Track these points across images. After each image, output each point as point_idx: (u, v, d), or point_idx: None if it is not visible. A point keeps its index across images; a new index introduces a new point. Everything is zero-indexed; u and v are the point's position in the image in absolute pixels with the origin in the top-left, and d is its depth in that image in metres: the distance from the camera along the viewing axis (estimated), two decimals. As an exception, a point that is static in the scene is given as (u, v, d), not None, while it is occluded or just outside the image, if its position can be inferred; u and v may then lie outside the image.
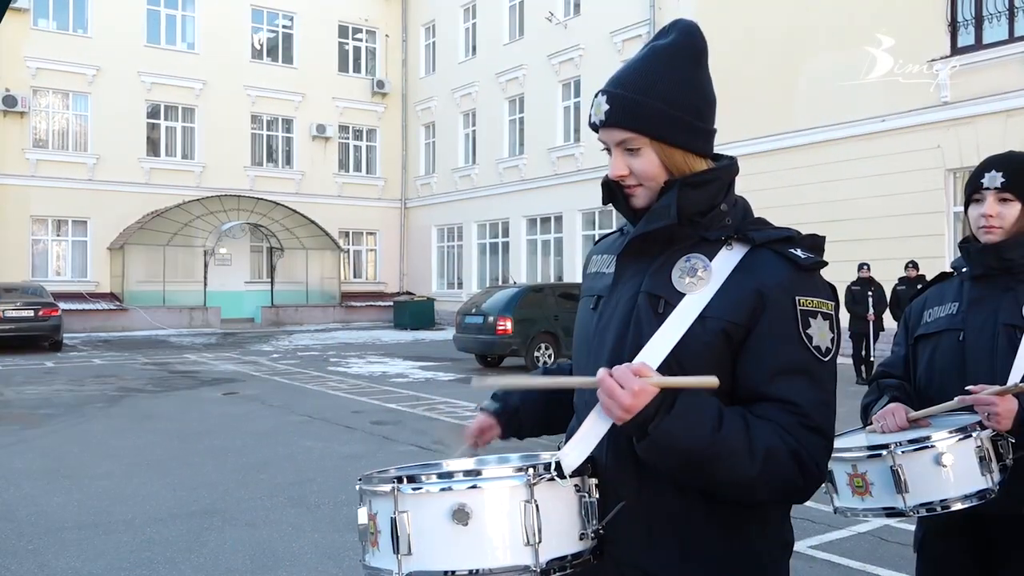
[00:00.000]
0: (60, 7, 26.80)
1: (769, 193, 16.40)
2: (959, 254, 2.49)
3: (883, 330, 13.63)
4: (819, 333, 1.47)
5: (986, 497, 2.04)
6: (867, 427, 2.38)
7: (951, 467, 2.03)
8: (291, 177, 29.90)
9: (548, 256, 25.96)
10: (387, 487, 1.33)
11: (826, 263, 1.54)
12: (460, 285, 29.26)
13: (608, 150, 1.60)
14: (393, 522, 1.30)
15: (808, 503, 5.94)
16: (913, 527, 2.55)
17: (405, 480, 1.32)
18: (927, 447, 2.05)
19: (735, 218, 1.58)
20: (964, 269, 2.45)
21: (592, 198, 22.43)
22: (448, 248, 30.58)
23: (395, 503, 1.30)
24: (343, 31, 30.97)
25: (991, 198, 2.33)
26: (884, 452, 2.05)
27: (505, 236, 27.55)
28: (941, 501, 2.04)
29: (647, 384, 1.33)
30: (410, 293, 30.68)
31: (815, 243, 1.56)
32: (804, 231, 1.60)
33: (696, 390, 1.37)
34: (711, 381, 1.30)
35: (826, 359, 1.47)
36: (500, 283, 25.11)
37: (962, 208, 2.55)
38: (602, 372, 1.37)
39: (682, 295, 1.50)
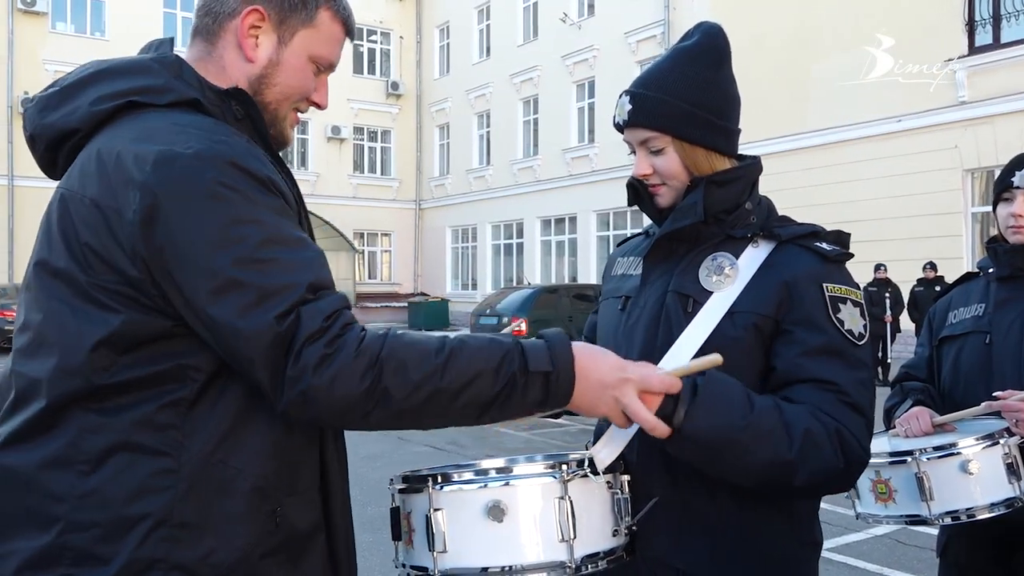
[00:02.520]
0: (78, 10, 27.01)
1: (783, 194, 16.22)
2: (978, 255, 2.47)
3: (900, 331, 13.56)
4: (850, 318, 1.48)
5: (1014, 506, 2.00)
6: (890, 431, 2.35)
7: (978, 475, 1.98)
8: (306, 178, 29.94)
9: (563, 257, 25.93)
10: (421, 485, 1.34)
11: (852, 255, 1.57)
12: (474, 286, 29.28)
13: (633, 150, 1.63)
14: (428, 520, 1.31)
15: (826, 505, 5.93)
16: (931, 530, 2.53)
17: (440, 478, 1.33)
18: (953, 454, 2.00)
19: (760, 216, 1.60)
20: (991, 269, 2.41)
21: (607, 199, 22.42)
22: (462, 249, 30.60)
23: (429, 501, 1.32)
24: (357, 33, 30.85)
25: (1021, 197, 2.29)
26: (909, 459, 2.01)
27: (519, 237, 27.55)
28: (967, 510, 1.99)
29: None
30: (424, 294, 30.71)
31: (840, 238, 1.59)
32: (821, 232, 1.62)
33: (720, 382, 1.38)
34: (714, 359, 1.31)
35: (860, 343, 1.48)
36: (514, 284, 25.12)
37: (980, 209, 2.53)
38: None
39: (710, 293, 1.53)
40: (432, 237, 31.66)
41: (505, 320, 16.11)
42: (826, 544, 5.18)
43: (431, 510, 1.31)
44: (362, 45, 31.26)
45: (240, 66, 1.38)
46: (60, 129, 1.32)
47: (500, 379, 1.22)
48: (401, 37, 31.80)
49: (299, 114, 1.47)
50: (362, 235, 31.47)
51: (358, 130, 31.21)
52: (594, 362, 1.29)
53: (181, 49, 1.44)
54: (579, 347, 1.30)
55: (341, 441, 1.46)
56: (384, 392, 1.17)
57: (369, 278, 31.92)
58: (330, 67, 1.46)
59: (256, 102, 1.38)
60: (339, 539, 1.38)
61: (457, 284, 30.72)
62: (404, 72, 31.83)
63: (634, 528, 1.39)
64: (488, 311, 16.94)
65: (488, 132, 28.93)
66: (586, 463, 1.34)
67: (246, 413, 1.25)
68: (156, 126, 1.24)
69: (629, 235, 1.90)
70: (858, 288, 1.54)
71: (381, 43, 31.80)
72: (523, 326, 15.70)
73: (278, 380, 1.17)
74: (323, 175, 30.29)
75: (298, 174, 29.28)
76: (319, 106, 1.47)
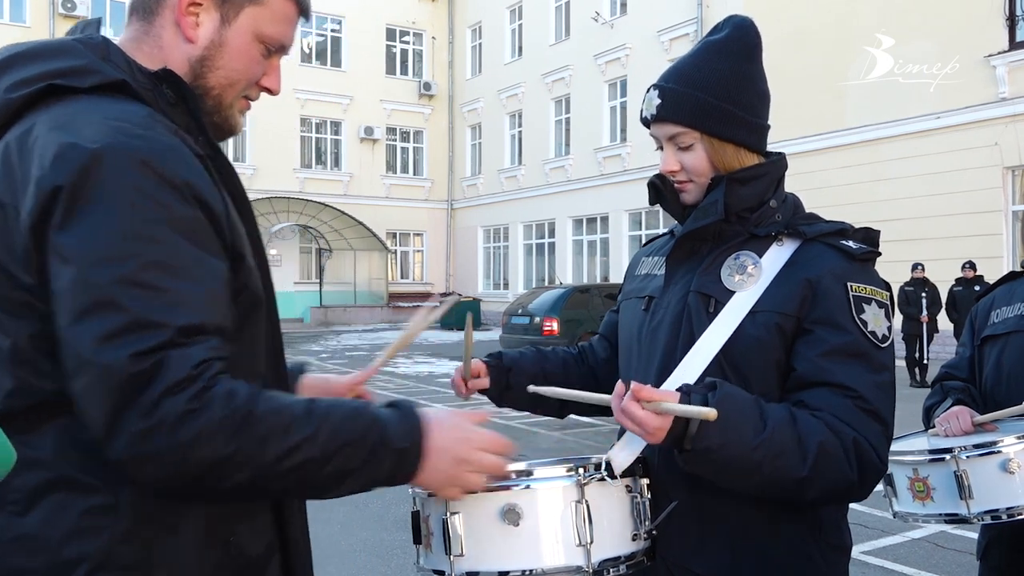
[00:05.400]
0: (117, 14, 27.44)
1: (821, 192, 16.12)
2: (1019, 254, 2.43)
3: (937, 332, 13.33)
4: (874, 319, 1.44)
5: None
6: (930, 430, 2.32)
7: (1019, 473, 1.95)
8: (339, 179, 30.22)
9: (594, 256, 25.86)
10: None
11: (879, 253, 1.52)
12: (506, 286, 29.30)
13: (660, 146, 1.60)
14: (444, 523, 1.30)
15: (861, 507, 5.85)
16: (971, 533, 2.48)
17: None
18: (994, 452, 1.98)
19: (785, 214, 1.57)
20: None
21: (639, 198, 22.30)
22: (494, 249, 30.64)
23: (446, 505, 1.30)
24: (390, 34, 31.19)
25: None
26: (947, 456, 1.99)
27: (551, 237, 27.52)
28: (1008, 509, 1.96)
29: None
30: (456, 293, 30.81)
31: (868, 236, 1.54)
32: (855, 230, 1.58)
33: (733, 398, 1.34)
34: (709, 413, 1.25)
35: (883, 345, 1.44)
36: (546, 284, 25.08)
37: (1021, 207, 2.47)
38: (614, 402, 1.35)
39: (732, 293, 1.50)
40: (464, 237, 31.74)
41: (537, 320, 16.10)
42: (862, 547, 5.17)
43: (447, 513, 1.30)
44: (395, 46, 31.41)
45: (179, 47, 1.25)
46: None
47: (364, 449, 1.12)
48: (433, 38, 31.92)
49: (249, 101, 1.33)
50: (395, 235, 31.65)
51: (391, 131, 31.37)
52: (443, 432, 1.20)
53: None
54: (431, 420, 1.20)
55: None
56: (248, 458, 1.04)
57: (402, 278, 32.10)
58: (281, 49, 1.32)
59: (195, 86, 1.25)
60: (295, 555, 1.29)
61: (489, 284, 30.77)
62: (436, 72, 31.93)
63: (654, 532, 1.36)
64: (520, 311, 16.93)
65: (520, 132, 28.94)
66: (603, 466, 1.32)
67: None
68: (73, 114, 1.11)
69: (658, 233, 1.87)
70: (886, 288, 1.50)
71: (413, 44, 31.93)
72: (555, 326, 15.68)
73: (114, 425, 1.01)
74: (356, 175, 30.50)
75: (331, 175, 29.92)
76: (271, 91, 1.34)
